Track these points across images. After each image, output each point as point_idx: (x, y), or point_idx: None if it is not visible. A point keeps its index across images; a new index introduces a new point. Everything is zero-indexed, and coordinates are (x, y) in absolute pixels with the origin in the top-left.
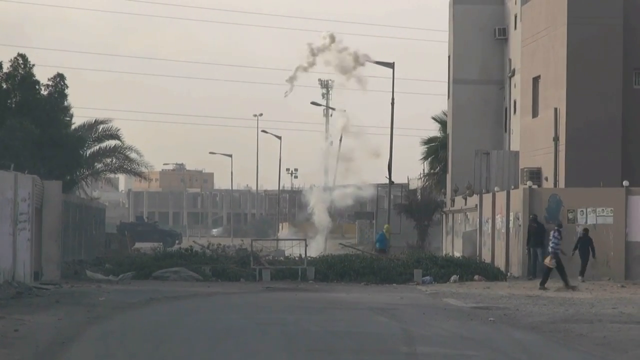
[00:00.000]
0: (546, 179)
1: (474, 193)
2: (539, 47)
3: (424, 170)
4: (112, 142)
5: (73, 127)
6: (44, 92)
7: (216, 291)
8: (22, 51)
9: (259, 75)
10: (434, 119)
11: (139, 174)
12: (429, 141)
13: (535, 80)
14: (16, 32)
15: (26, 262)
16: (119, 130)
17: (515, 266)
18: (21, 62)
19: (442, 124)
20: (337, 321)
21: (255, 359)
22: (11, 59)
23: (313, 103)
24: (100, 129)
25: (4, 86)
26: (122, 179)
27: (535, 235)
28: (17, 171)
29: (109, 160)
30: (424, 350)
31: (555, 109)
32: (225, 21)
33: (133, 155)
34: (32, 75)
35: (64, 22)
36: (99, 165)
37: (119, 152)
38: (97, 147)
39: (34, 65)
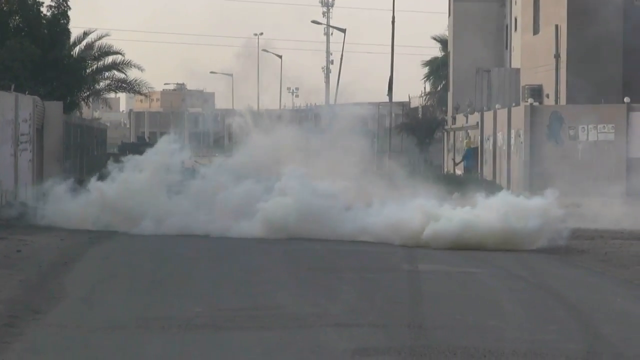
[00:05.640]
0: (547, 96)
1: (475, 111)
2: None
3: (424, 88)
4: (110, 58)
5: (69, 43)
6: (47, 12)
7: None
8: None
9: None
10: (434, 38)
11: (140, 92)
12: (429, 62)
13: None
14: None
15: (28, 183)
16: (112, 47)
17: (517, 183)
18: None
19: (443, 43)
20: (340, 240)
21: (257, 277)
22: None
23: (314, 22)
24: (97, 45)
25: (4, 8)
26: (122, 99)
27: None
28: (17, 92)
29: (108, 81)
30: (425, 267)
31: (556, 26)
32: None
33: (133, 71)
34: None
35: None
36: (99, 85)
37: (119, 68)
38: (96, 65)
39: None
